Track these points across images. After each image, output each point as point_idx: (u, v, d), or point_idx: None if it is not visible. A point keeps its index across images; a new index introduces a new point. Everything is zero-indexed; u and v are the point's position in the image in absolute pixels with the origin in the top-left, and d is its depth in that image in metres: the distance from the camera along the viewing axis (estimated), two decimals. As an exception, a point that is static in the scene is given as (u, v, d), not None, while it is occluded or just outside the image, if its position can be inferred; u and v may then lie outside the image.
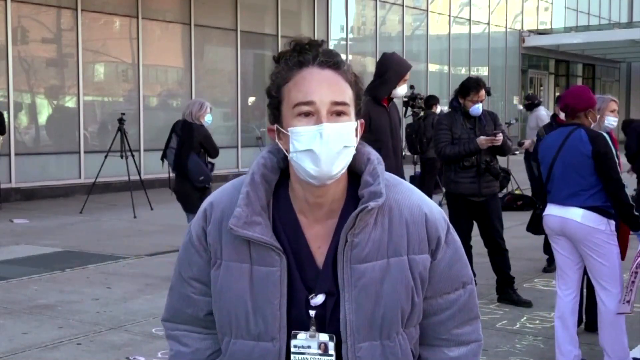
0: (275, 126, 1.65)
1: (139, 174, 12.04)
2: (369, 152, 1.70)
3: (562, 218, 4.50)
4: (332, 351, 1.64)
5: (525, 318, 5.80)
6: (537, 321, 5.73)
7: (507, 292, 6.22)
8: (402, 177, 5.57)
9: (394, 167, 5.35)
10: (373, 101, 5.27)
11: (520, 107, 13.94)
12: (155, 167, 14.97)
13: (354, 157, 1.65)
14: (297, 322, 1.65)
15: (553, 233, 4.62)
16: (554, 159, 4.54)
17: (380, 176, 1.65)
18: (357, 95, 1.65)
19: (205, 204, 1.74)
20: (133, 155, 11.39)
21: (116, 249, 8.49)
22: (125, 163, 11.05)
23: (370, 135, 5.16)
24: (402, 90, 5.37)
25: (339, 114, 1.59)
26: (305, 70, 1.61)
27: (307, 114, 1.58)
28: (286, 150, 1.62)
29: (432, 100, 12.71)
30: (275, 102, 1.64)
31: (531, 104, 12.50)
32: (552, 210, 4.58)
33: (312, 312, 1.64)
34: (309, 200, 1.66)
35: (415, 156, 12.47)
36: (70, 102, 14.05)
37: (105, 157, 11.35)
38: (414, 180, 11.98)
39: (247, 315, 1.65)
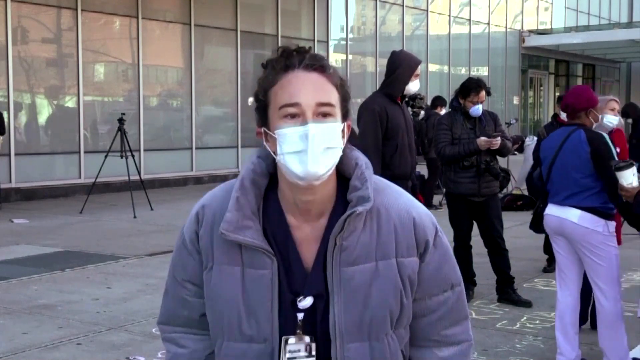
0: (262, 129, 1.66)
1: (139, 174, 12.04)
2: (357, 157, 1.71)
3: (560, 218, 4.52)
4: (314, 352, 1.66)
5: (525, 318, 5.80)
6: (537, 321, 5.73)
7: (507, 292, 6.23)
8: (414, 174, 5.58)
9: (410, 164, 5.36)
10: (388, 99, 5.28)
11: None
12: (155, 167, 15.06)
13: (343, 161, 1.67)
14: (286, 324, 1.66)
15: (552, 232, 4.64)
16: (554, 159, 4.55)
17: (369, 180, 1.67)
18: (343, 98, 1.66)
19: (197, 207, 1.75)
20: (133, 155, 11.39)
21: (116, 249, 8.49)
22: (125, 163, 11.05)
23: (387, 133, 5.17)
24: (414, 85, 5.36)
25: (325, 115, 1.60)
26: (291, 74, 1.62)
27: (293, 116, 1.59)
28: (274, 153, 1.64)
29: (437, 102, 12.67)
30: (262, 106, 1.66)
31: (520, 145, 12.43)
32: (551, 210, 4.60)
33: (299, 315, 1.66)
34: (297, 203, 1.67)
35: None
36: (70, 102, 14.05)
37: (105, 157, 11.34)
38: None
39: (240, 318, 1.66)
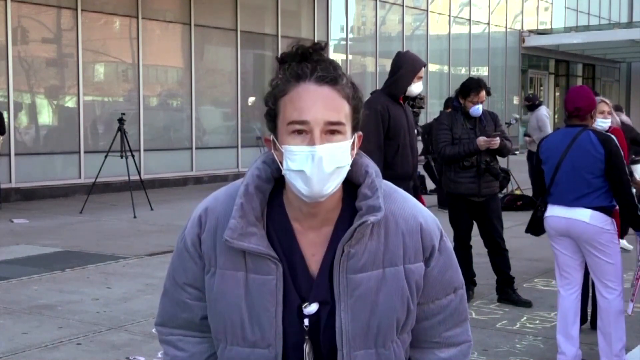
0: (272, 137, 1.65)
1: (139, 174, 12.04)
2: (367, 165, 1.69)
3: (569, 219, 4.52)
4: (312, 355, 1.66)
5: (525, 318, 5.80)
6: (537, 321, 5.73)
7: (507, 292, 6.23)
8: (416, 174, 5.60)
9: (412, 164, 5.36)
10: (391, 99, 5.28)
11: (522, 109, 14.22)
12: (155, 167, 15.06)
13: (351, 168, 1.65)
14: (290, 330, 1.65)
15: (556, 234, 4.63)
16: (561, 160, 4.55)
17: (379, 189, 1.65)
18: (354, 109, 1.63)
19: (199, 209, 1.73)
20: (133, 155, 11.39)
21: (116, 249, 8.49)
22: (125, 163, 11.05)
23: (389, 133, 5.17)
24: (417, 87, 5.36)
25: (333, 132, 1.58)
26: (301, 86, 1.59)
27: (300, 132, 1.57)
28: (280, 163, 1.62)
29: (450, 102, 12.63)
30: (272, 113, 1.63)
31: (532, 105, 12.53)
32: (557, 212, 4.59)
33: (305, 321, 1.64)
34: (303, 210, 1.66)
35: (422, 157, 12.47)
36: (70, 102, 14.05)
37: (105, 157, 11.35)
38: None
39: (243, 323, 1.65)
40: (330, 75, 1.60)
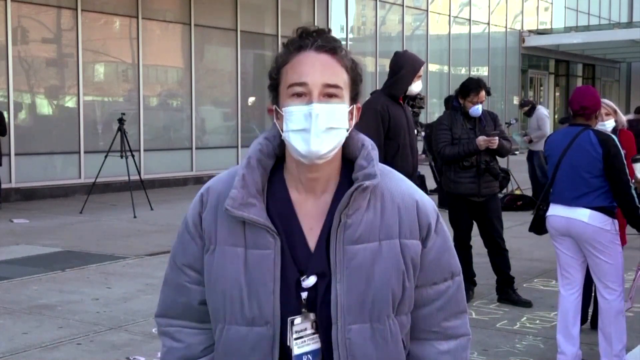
0: (274, 107, 1.71)
1: (139, 174, 12.04)
2: (363, 139, 1.75)
3: (568, 219, 4.52)
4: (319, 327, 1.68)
5: (525, 318, 5.80)
6: (537, 321, 5.73)
7: (507, 292, 6.23)
8: (416, 174, 5.60)
9: (411, 164, 5.37)
10: (391, 99, 5.29)
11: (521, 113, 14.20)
12: (155, 167, 15.07)
13: (349, 143, 1.71)
14: (288, 304, 1.66)
15: (557, 233, 4.63)
16: (560, 159, 4.56)
17: (374, 160, 1.70)
18: (353, 81, 1.70)
19: (202, 190, 1.77)
20: (133, 155, 11.39)
21: (116, 249, 8.49)
22: (125, 163, 11.05)
23: (389, 133, 5.18)
24: (417, 86, 5.38)
25: (331, 96, 1.64)
26: (302, 54, 1.66)
27: (300, 95, 1.64)
28: (281, 129, 1.67)
29: (451, 101, 12.62)
30: (274, 84, 1.70)
31: (530, 109, 12.52)
32: (558, 211, 4.59)
33: (303, 294, 1.66)
34: (302, 179, 1.70)
35: (424, 156, 12.46)
36: (70, 102, 14.05)
37: (105, 157, 11.35)
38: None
39: (242, 299, 1.67)
40: (330, 45, 1.67)
